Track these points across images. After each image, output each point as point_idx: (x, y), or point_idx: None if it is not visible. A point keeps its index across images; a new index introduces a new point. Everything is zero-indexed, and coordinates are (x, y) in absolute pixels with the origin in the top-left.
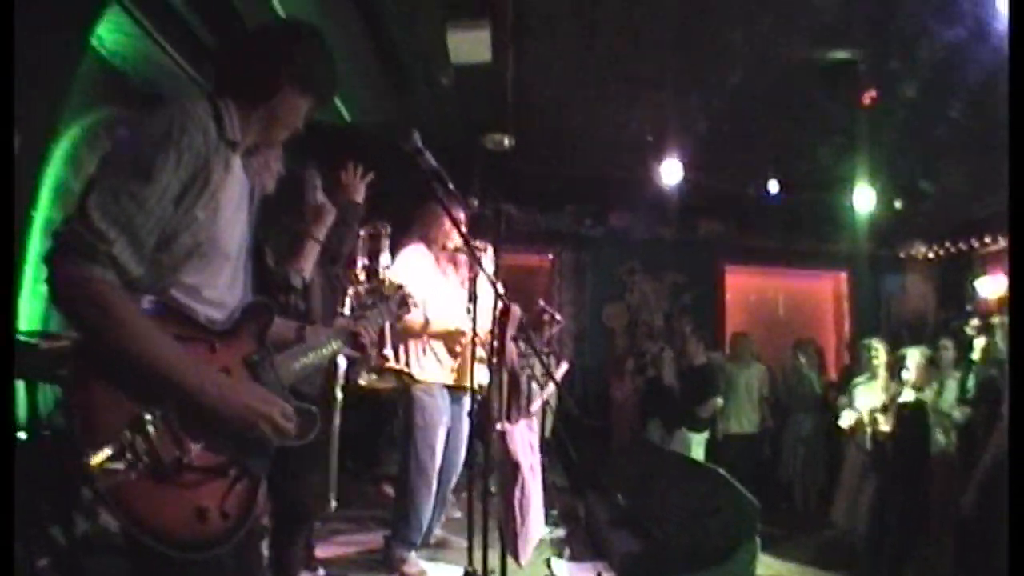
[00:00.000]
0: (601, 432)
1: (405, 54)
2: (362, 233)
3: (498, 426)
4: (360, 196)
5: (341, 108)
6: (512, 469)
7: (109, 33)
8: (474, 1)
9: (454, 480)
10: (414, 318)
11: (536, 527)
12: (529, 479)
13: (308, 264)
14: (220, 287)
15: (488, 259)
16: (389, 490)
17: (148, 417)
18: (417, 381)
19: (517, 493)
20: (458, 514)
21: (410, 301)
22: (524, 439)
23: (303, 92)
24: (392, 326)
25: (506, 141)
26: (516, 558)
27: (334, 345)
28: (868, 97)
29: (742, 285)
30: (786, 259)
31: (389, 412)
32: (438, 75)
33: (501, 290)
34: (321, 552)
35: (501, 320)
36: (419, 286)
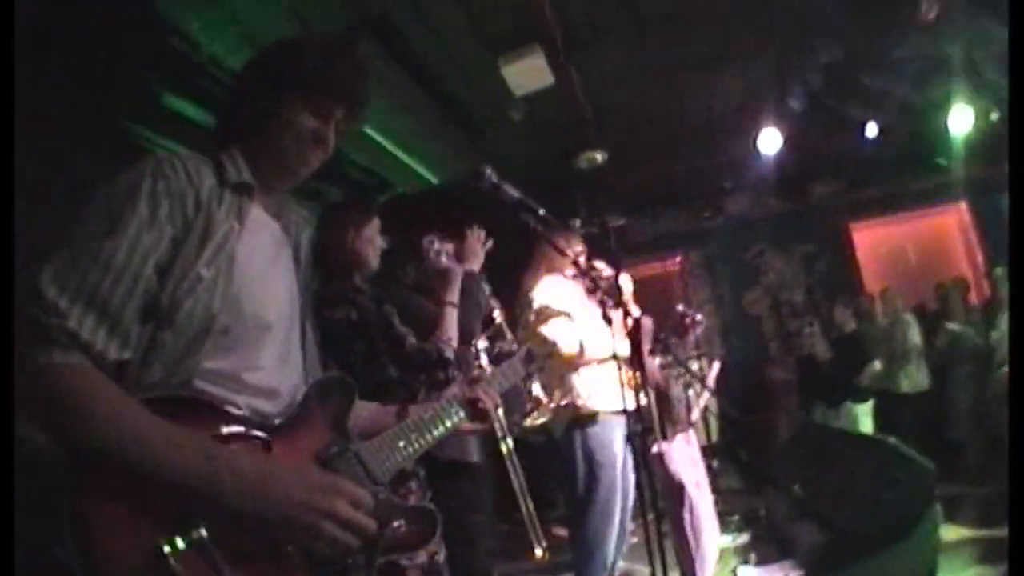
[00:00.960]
0: (766, 424)
1: (470, 103)
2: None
3: (654, 448)
4: (479, 263)
5: (428, 175)
6: (677, 490)
7: None
8: (515, 30)
9: (631, 507)
10: (570, 348)
11: (711, 544)
12: (696, 496)
13: (454, 332)
14: (266, 368)
15: (624, 278)
16: (561, 531)
17: (167, 548)
18: (583, 413)
19: (686, 515)
20: (635, 539)
21: (541, 350)
22: (684, 455)
23: (311, 101)
24: (529, 376)
25: (598, 156)
26: None
27: (449, 421)
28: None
29: (869, 240)
30: (903, 203)
31: (550, 453)
32: (508, 112)
33: (630, 307)
34: None
35: (633, 336)
36: (568, 309)
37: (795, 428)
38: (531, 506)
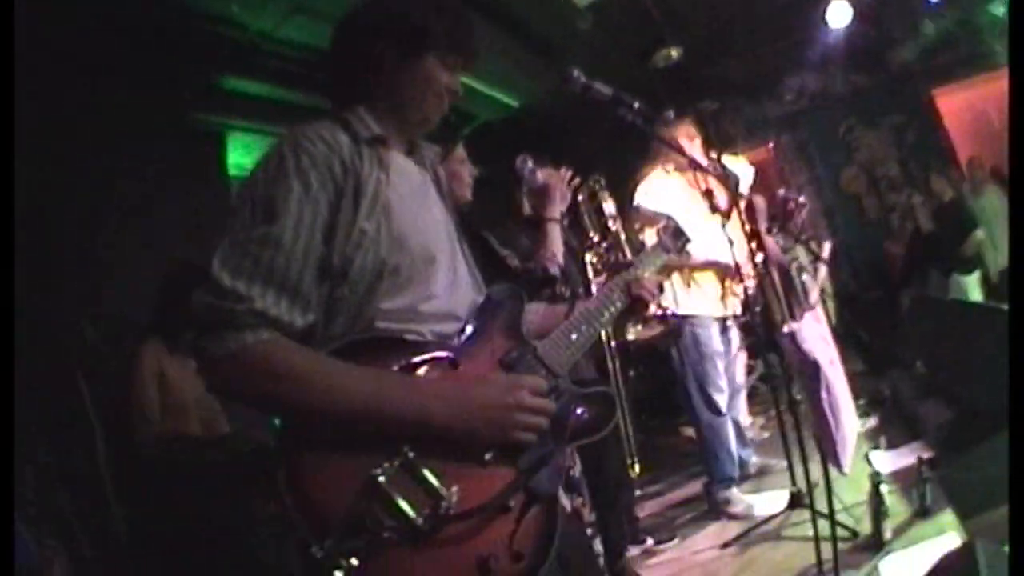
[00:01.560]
0: (885, 302)
1: (537, 21)
2: (580, 197)
3: (785, 328)
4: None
5: (508, 100)
6: (812, 369)
7: None
8: None
9: (742, 407)
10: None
11: (851, 425)
12: (832, 375)
13: (558, 247)
14: (440, 297)
15: (742, 167)
16: (691, 431)
17: (379, 474)
18: (686, 317)
19: (824, 394)
20: (766, 434)
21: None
22: (815, 334)
23: (445, 58)
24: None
25: (674, 53)
26: (839, 465)
27: (611, 308)
28: None
29: (954, 107)
30: (982, 64)
31: (659, 358)
32: (576, 23)
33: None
34: (646, 520)
35: (748, 215)
36: (675, 211)
37: (913, 303)
38: (625, 423)
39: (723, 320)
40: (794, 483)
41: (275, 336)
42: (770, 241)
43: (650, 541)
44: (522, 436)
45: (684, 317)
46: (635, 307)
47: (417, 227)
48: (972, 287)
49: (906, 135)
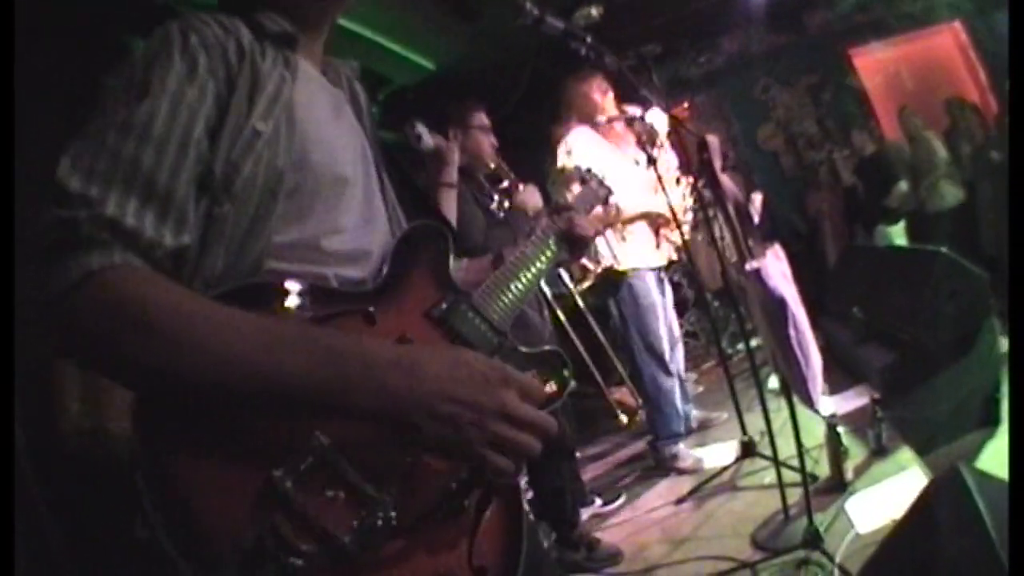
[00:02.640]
0: (807, 255)
1: None
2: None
3: (748, 265)
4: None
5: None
6: (779, 306)
7: None
8: None
9: (680, 356)
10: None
11: (817, 362)
12: (797, 311)
13: (451, 212)
14: (348, 230)
15: (657, 116)
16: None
17: (282, 476)
18: (624, 272)
19: (791, 331)
20: (700, 388)
21: (561, 191)
22: (777, 270)
23: None
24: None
25: (594, 11)
26: (812, 404)
27: (547, 252)
28: None
29: (869, 67)
30: (899, 26)
31: (606, 317)
32: None
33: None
34: (593, 481)
35: (702, 153)
36: (600, 165)
37: (842, 254)
38: (598, 374)
39: (657, 271)
40: (744, 432)
41: (132, 260)
42: (725, 178)
43: (598, 501)
44: (497, 462)
45: (623, 272)
46: (575, 247)
47: (325, 141)
48: (897, 237)
49: (822, 94)
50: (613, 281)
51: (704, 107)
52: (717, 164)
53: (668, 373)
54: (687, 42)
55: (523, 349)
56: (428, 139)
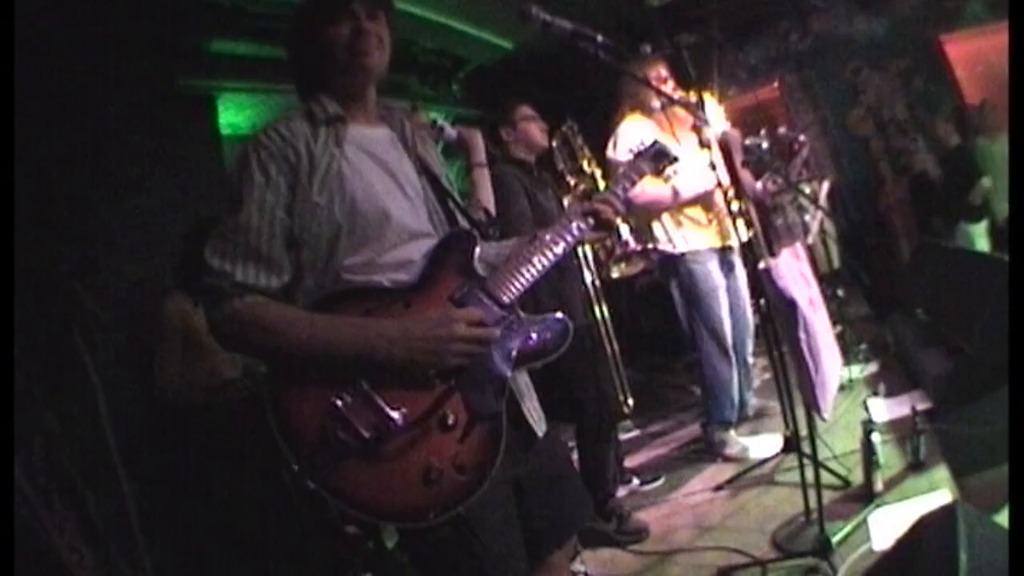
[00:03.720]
0: (886, 246)
1: None
2: (554, 143)
3: (760, 264)
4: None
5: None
6: (790, 308)
7: None
8: None
9: (750, 344)
10: (660, 193)
11: (832, 370)
12: (810, 315)
13: (487, 193)
14: (397, 246)
15: (712, 105)
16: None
17: (338, 401)
18: (683, 255)
19: (801, 335)
20: (767, 375)
21: (668, 151)
22: (792, 270)
23: (329, 16)
24: (660, 172)
25: None
26: (818, 411)
27: (568, 235)
28: None
29: (963, 55)
30: (991, 14)
31: (660, 297)
32: None
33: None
34: (642, 458)
35: (722, 150)
36: None
37: (916, 249)
38: (619, 359)
39: (722, 252)
40: (788, 426)
41: (256, 298)
42: (745, 174)
43: (636, 481)
44: (455, 361)
45: (681, 255)
46: (599, 228)
47: (369, 191)
48: (978, 236)
49: (913, 80)
50: (668, 264)
51: (793, 88)
52: (737, 159)
53: (728, 360)
54: (773, 20)
55: (526, 317)
56: (450, 131)
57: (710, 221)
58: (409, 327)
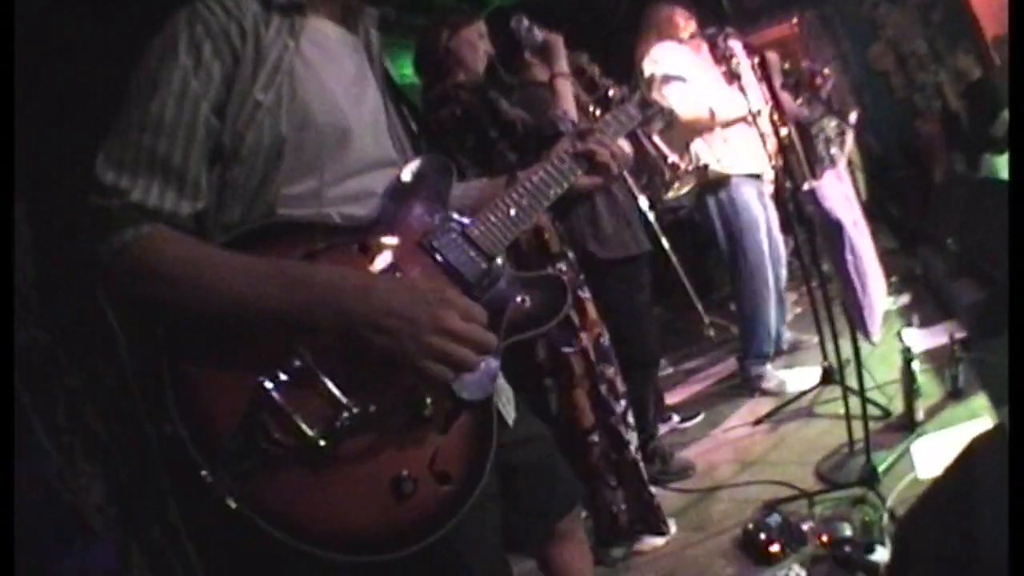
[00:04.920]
0: (915, 179)
1: None
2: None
3: (805, 186)
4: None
5: None
6: (835, 229)
7: None
8: None
9: (784, 274)
10: (697, 111)
11: (879, 291)
12: (856, 237)
13: (570, 103)
14: (353, 175)
15: (734, 42)
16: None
17: (268, 383)
18: (724, 177)
19: (848, 256)
20: (799, 309)
21: (654, 96)
22: (837, 193)
23: None
24: (650, 125)
25: None
26: (867, 334)
27: (562, 179)
28: None
29: None
30: None
31: (709, 232)
32: None
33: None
34: (678, 395)
35: (762, 71)
36: (686, 74)
37: (944, 181)
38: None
39: (758, 181)
40: (825, 358)
41: (156, 228)
42: (786, 96)
43: (676, 418)
44: (432, 369)
45: (726, 179)
46: (594, 171)
47: (328, 99)
48: (1002, 168)
49: (932, 13)
50: (712, 183)
51: (813, 24)
52: (776, 81)
53: (767, 292)
54: None
55: (518, 273)
56: (537, 33)
57: (752, 143)
58: (373, 293)
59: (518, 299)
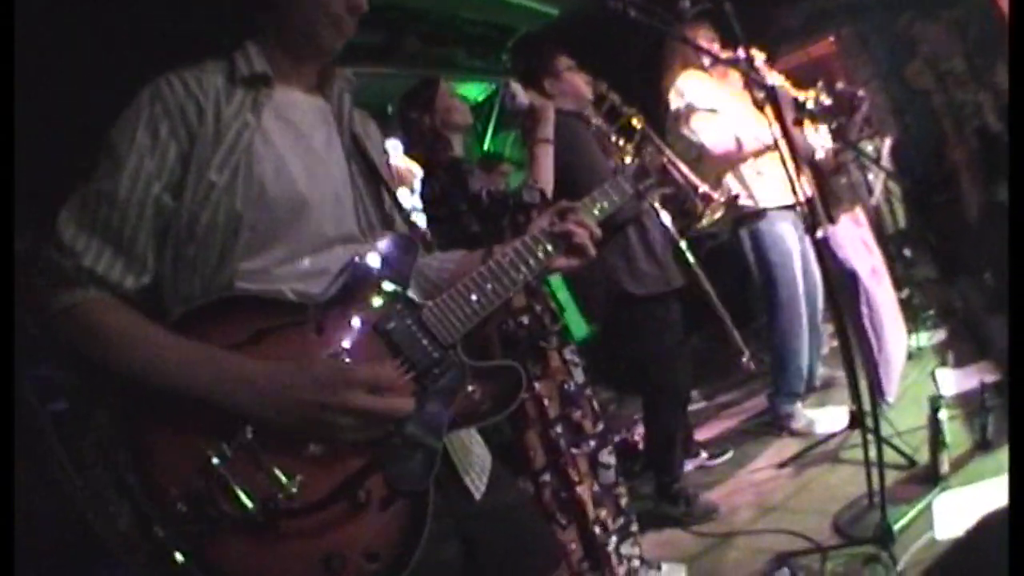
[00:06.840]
0: (953, 204)
1: None
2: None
3: (818, 232)
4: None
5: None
6: (851, 280)
7: None
8: None
9: (820, 306)
10: (726, 143)
11: (897, 346)
12: (873, 286)
13: (546, 173)
14: (309, 251)
15: (760, 62)
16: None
17: (214, 456)
18: (758, 211)
19: (863, 309)
20: (835, 343)
21: (683, 130)
22: (853, 238)
23: None
24: (642, 195)
25: None
26: (880, 393)
27: (531, 261)
28: None
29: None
30: None
31: (727, 260)
32: None
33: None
34: (709, 431)
35: (772, 107)
36: (710, 104)
37: (982, 208)
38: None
39: (793, 213)
40: (853, 401)
41: (101, 296)
42: (798, 133)
43: (704, 455)
44: (349, 437)
45: (761, 211)
46: (571, 253)
47: (284, 173)
48: None
49: (968, 31)
50: (743, 221)
51: (850, 42)
52: (788, 117)
53: (799, 328)
54: None
55: (471, 363)
56: (523, 98)
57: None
58: (283, 381)
59: (469, 388)
